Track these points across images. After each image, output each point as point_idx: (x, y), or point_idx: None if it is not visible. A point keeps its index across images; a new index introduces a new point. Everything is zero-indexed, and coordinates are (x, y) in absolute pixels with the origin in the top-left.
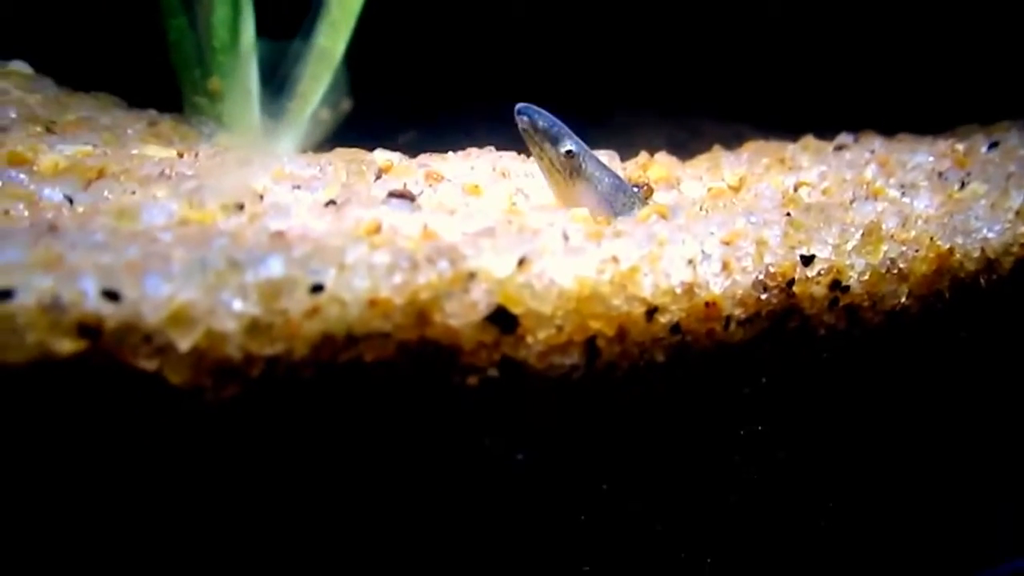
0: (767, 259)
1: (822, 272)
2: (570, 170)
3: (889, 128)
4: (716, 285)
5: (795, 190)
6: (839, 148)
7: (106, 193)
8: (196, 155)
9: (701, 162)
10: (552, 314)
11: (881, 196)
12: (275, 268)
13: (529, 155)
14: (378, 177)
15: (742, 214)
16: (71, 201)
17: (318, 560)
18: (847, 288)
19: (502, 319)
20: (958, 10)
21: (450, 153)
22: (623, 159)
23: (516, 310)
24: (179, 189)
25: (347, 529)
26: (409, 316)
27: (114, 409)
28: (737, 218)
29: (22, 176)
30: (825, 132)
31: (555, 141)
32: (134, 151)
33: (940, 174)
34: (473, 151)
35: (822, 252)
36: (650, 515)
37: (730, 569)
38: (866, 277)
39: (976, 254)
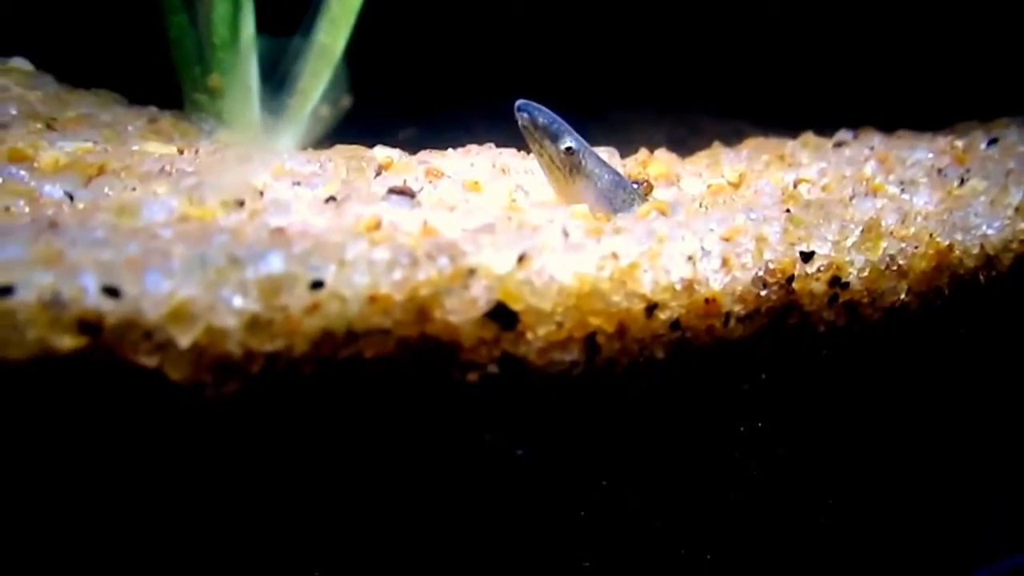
0: (767, 255)
1: (822, 268)
2: (570, 167)
3: (888, 125)
4: (716, 281)
5: (795, 187)
6: (839, 145)
7: (106, 189)
8: (196, 152)
9: (701, 159)
10: (552, 310)
11: (880, 193)
12: (275, 264)
13: (529, 152)
14: (378, 174)
15: (742, 211)
16: (71, 197)
17: (319, 555)
18: (846, 285)
19: (502, 315)
20: (957, 7)
21: (450, 150)
22: (623, 156)
23: (516, 306)
24: (179, 186)
25: (348, 525)
26: (409, 312)
27: (115, 406)
28: (737, 215)
29: (23, 173)
30: (825, 129)
31: (555, 138)
32: (134, 148)
33: (939, 171)
34: (473, 148)
35: (822, 248)
36: (649, 511)
37: (730, 566)
38: (865, 274)
39: (975, 251)
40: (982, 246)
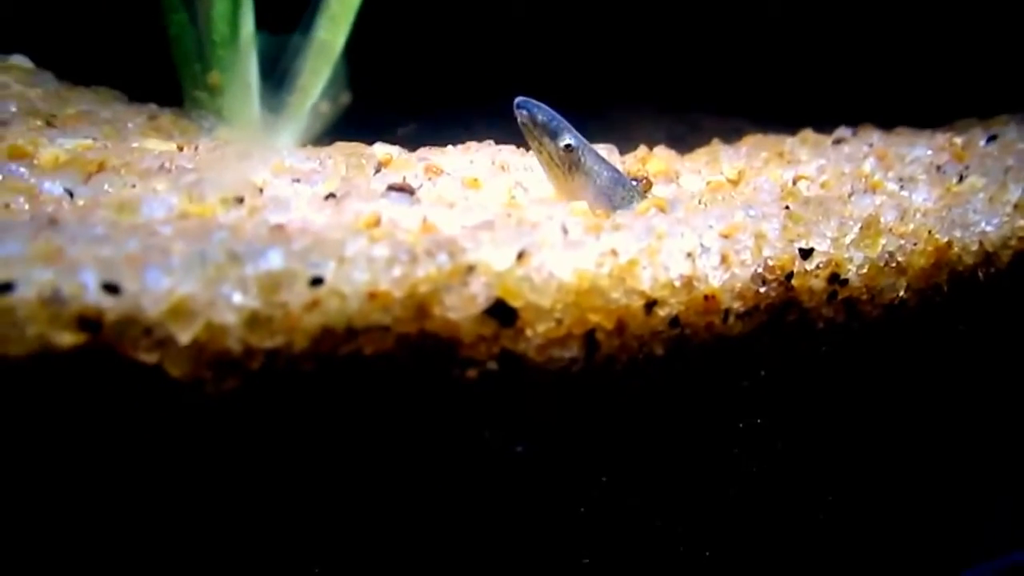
0: (766, 252)
1: (821, 265)
2: (569, 164)
3: (887, 122)
4: (715, 278)
5: (794, 183)
6: (838, 142)
7: (106, 186)
8: (196, 149)
9: (700, 156)
10: (551, 307)
11: (879, 189)
12: (275, 261)
13: (528, 149)
14: (377, 171)
15: (741, 207)
16: (71, 194)
17: (318, 551)
18: (845, 281)
19: (501, 312)
20: (956, 4)
21: (449, 147)
22: (622, 153)
23: (515, 303)
24: (179, 183)
25: (347, 521)
26: (408, 309)
27: (114, 402)
28: (736, 211)
29: (22, 170)
30: (824, 126)
31: (554, 135)
32: (134, 145)
33: (938, 167)
34: (472, 145)
35: (821, 245)
36: (649, 508)
37: (729, 563)
38: (864, 270)
39: (974, 247)
40: (981, 243)
